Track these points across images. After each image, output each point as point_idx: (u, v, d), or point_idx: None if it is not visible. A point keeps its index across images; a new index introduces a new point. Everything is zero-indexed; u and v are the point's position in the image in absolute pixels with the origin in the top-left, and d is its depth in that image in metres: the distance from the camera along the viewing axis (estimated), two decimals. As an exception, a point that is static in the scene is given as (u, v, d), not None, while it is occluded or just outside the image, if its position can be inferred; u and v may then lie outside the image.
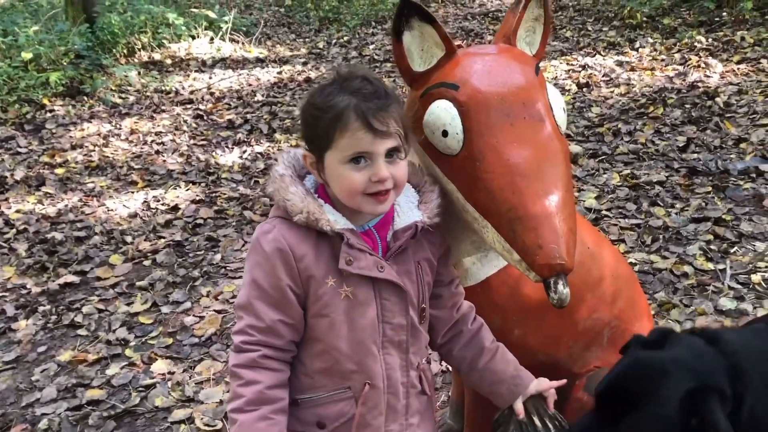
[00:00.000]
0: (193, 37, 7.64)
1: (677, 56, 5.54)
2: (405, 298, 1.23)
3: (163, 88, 6.16)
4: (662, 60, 5.53)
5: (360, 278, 1.18)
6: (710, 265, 2.75)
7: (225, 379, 2.39)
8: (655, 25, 6.43)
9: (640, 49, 5.87)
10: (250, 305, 1.17)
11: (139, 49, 7.17)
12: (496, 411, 1.42)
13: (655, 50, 5.79)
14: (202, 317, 2.75)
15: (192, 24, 7.74)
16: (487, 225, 1.22)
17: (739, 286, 2.61)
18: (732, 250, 2.85)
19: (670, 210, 3.22)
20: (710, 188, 3.38)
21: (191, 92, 6.05)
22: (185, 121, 5.21)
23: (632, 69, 5.44)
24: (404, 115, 1.20)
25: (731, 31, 5.82)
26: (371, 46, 7.27)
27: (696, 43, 5.67)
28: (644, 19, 6.60)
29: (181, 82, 6.34)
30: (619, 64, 5.59)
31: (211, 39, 7.60)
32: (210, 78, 6.46)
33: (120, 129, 5.13)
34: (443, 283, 1.32)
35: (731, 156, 3.72)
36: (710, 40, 5.73)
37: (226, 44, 7.56)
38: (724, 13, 6.17)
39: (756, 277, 2.63)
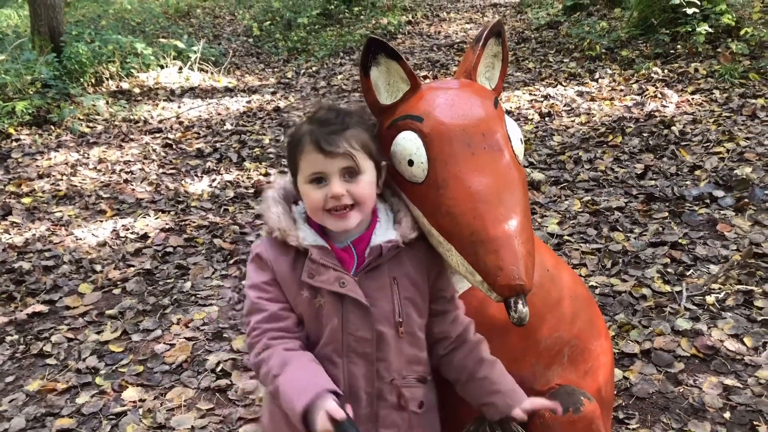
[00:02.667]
0: (162, 67, 7.68)
1: (635, 87, 5.75)
2: (369, 313, 1.30)
3: (131, 117, 6.17)
4: (621, 90, 5.73)
5: (328, 291, 1.29)
6: (667, 288, 2.86)
7: (196, 406, 2.41)
8: (613, 56, 6.65)
9: (600, 80, 6.07)
10: (255, 305, 1.32)
11: (107, 79, 7.18)
12: None
13: (614, 81, 5.99)
14: (172, 345, 2.76)
15: (160, 54, 7.78)
16: (451, 248, 1.29)
17: (694, 307, 2.71)
18: (688, 273, 2.96)
19: (629, 235, 3.34)
20: (667, 213, 3.51)
21: (160, 121, 6.08)
22: (154, 150, 5.23)
23: (592, 99, 5.62)
24: (364, 138, 1.29)
25: (685, 63, 6.05)
26: (339, 76, 7.38)
27: (652, 74, 5.89)
28: (603, 51, 6.81)
29: (149, 111, 6.36)
30: (580, 94, 5.78)
31: (180, 68, 7.65)
32: (179, 107, 6.50)
33: (88, 158, 5.13)
34: (446, 298, 1.40)
35: (686, 183, 3.87)
36: (666, 71, 5.95)
37: (195, 74, 7.62)
38: (679, 46, 6.40)
39: (710, 299, 2.75)
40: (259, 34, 10.35)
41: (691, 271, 2.98)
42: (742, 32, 6.25)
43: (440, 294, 1.39)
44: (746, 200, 3.53)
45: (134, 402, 2.45)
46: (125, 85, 7.18)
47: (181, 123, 6.01)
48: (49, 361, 2.72)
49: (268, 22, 10.62)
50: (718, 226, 3.32)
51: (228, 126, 5.80)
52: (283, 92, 6.95)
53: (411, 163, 1.32)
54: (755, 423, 2.12)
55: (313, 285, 1.28)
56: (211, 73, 7.79)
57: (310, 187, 1.28)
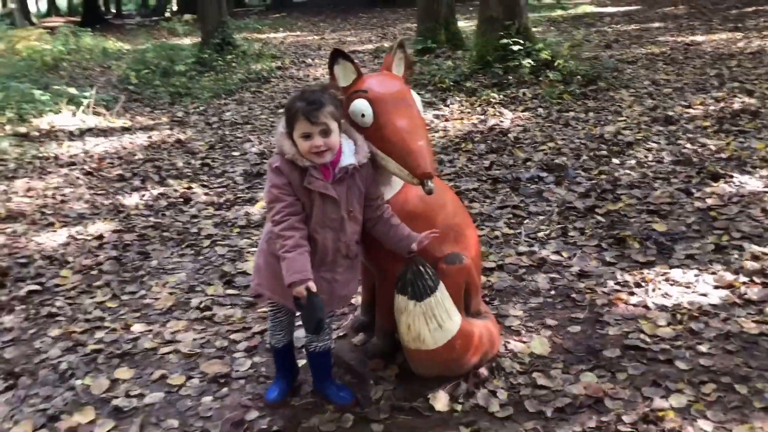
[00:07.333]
0: (54, 113, 8.25)
1: (478, 109, 7.17)
2: (338, 205, 2.33)
3: (40, 155, 6.75)
4: (468, 112, 7.12)
5: (317, 192, 2.29)
6: (511, 231, 4.09)
7: (192, 328, 3.29)
8: (460, 87, 8.10)
9: (451, 105, 7.45)
10: (277, 197, 2.27)
11: (3, 124, 7.68)
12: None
13: (462, 105, 7.39)
14: (157, 298, 3.61)
15: (53, 100, 8.36)
16: (390, 160, 2.36)
17: (530, 240, 3.95)
18: (525, 222, 4.22)
19: (482, 203, 4.57)
20: (509, 189, 4.79)
21: (70, 156, 6.71)
22: (78, 178, 5.92)
23: (447, 120, 6.96)
24: (333, 109, 2.31)
25: (516, 89, 7.60)
26: (228, 113, 8.32)
27: (491, 99, 7.36)
28: (451, 83, 8.25)
29: (56, 149, 6.96)
30: (437, 116, 7.10)
31: (74, 113, 8.25)
32: (84, 144, 7.15)
33: (14, 189, 5.71)
34: (372, 198, 2.43)
35: (521, 170, 5.20)
36: (501, 96, 7.45)
37: (90, 117, 8.25)
38: (510, 77, 7.96)
39: (540, 234, 4.00)
40: (137, 82, 11.01)
41: (527, 220, 4.24)
42: (556, 64, 7.90)
43: (370, 195, 2.44)
44: (563, 177, 4.89)
45: (142, 332, 3.28)
46: (22, 129, 7.69)
47: (91, 157, 6.69)
48: (58, 318, 3.47)
49: (145, 71, 11.32)
50: (544, 194, 4.64)
51: (139, 156, 6.57)
52: (179, 128, 7.78)
53: (363, 115, 2.39)
54: (569, 294, 3.34)
55: (311, 188, 2.31)
56: (104, 115, 8.45)
57: (302, 140, 2.28)
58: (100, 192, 5.54)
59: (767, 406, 2.40)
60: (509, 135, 6.06)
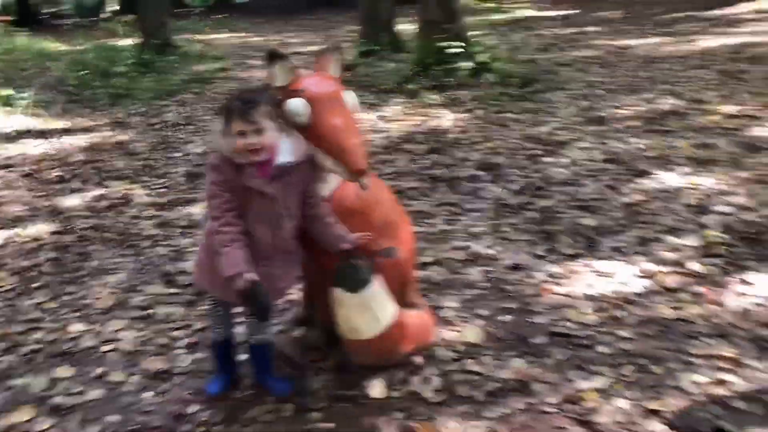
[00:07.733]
0: (-13, 114, 8.06)
1: (420, 110, 7.32)
2: (276, 202, 2.41)
3: (-26, 157, 6.60)
4: (409, 113, 7.26)
5: (255, 189, 2.37)
6: (448, 227, 4.23)
7: (133, 326, 3.31)
8: (401, 89, 8.24)
9: (393, 107, 7.58)
10: (214, 193, 2.35)
11: (-69, 126, 7.47)
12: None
13: (404, 107, 7.53)
14: (99, 298, 3.61)
15: (-13, 101, 8.18)
16: (327, 156, 2.46)
17: (466, 235, 4.10)
18: (460, 219, 4.37)
19: (422, 201, 4.70)
20: (447, 188, 4.94)
21: (7, 158, 6.58)
22: (15, 180, 5.82)
23: (389, 121, 7.08)
24: (269, 109, 2.39)
25: (456, 91, 7.78)
26: (169, 115, 8.27)
27: (432, 101, 7.52)
28: (394, 85, 8.39)
29: (-9, 150, 6.81)
30: (380, 118, 7.21)
31: (10, 114, 8.07)
32: (22, 146, 7.01)
33: (-53, 191, 5.59)
34: (311, 196, 2.51)
35: (460, 169, 5.35)
36: (442, 98, 7.62)
37: (28, 119, 8.08)
38: (450, 79, 8.15)
39: (474, 230, 4.15)
40: (76, 83, 10.80)
41: (463, 217, 4.39)
42: (494, 67, 8.13)
43: (309, 193, 2.53)
44: (498, 176, 5.06)
45: (82, 331, 3.29)
46: (-48, 131, 7.49)
47: (29, 159, 6.56)
48: (-7, 321, 3.45)
49: (84, 72, 11.11)
50: (480, 192, 4.80)
51: (79, 157, 6.49)
52: (120, 129, 7.69)
53: (299, 115, 2.48)
54: (502, 286, 3.49)
55: (248, 185, 2.38)
56: (42, 117, 8.29)
57: (237, 137, 2.35)
58: (39, 194, 5.46)
59: (679, 385, 2.58)
60: (449, 135, 6.22)
